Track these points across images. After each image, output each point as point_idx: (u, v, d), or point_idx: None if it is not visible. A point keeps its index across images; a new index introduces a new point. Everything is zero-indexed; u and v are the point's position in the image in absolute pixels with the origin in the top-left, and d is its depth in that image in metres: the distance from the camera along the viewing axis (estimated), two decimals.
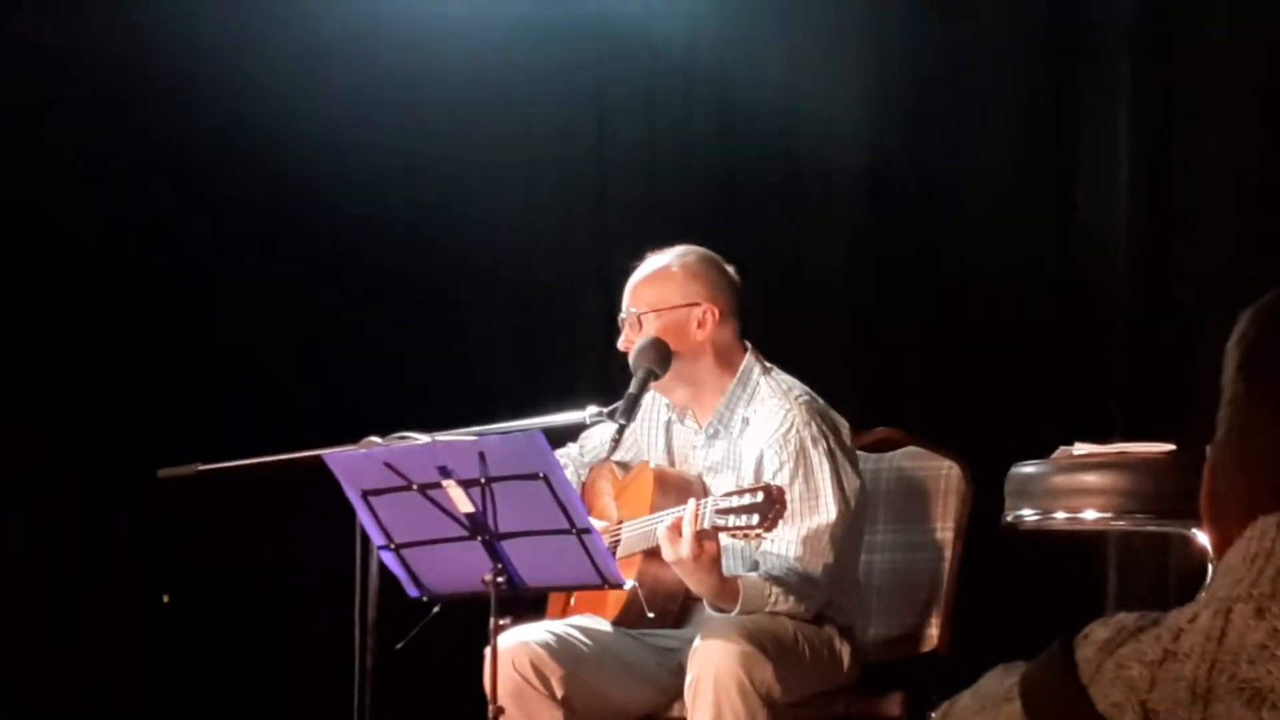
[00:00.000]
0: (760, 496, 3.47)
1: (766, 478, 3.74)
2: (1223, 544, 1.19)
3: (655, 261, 4.01)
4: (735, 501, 3.50)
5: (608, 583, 3.53)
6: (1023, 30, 4.96)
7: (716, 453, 3.94)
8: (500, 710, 3.49)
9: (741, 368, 3.94)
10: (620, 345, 3.96)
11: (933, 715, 1.25)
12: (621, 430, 3.83)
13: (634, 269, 4.03)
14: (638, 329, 3.94)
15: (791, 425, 3.79)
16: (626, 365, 3.90)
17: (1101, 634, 1.14)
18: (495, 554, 3.45)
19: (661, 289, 3.96)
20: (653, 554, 3.74)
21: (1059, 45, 4.93)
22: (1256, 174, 4.60)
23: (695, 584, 3.65)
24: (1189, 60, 4.72)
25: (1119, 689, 1.10)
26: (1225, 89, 4.66)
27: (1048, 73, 4.94)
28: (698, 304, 3.93)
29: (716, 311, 3.93)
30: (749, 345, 3.98)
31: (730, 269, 4.00)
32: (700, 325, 3.92)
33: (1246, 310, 1.23)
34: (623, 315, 3.99)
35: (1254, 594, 1.11)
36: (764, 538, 3.56)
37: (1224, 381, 1.21)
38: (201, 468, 3.80)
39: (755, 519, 3.45)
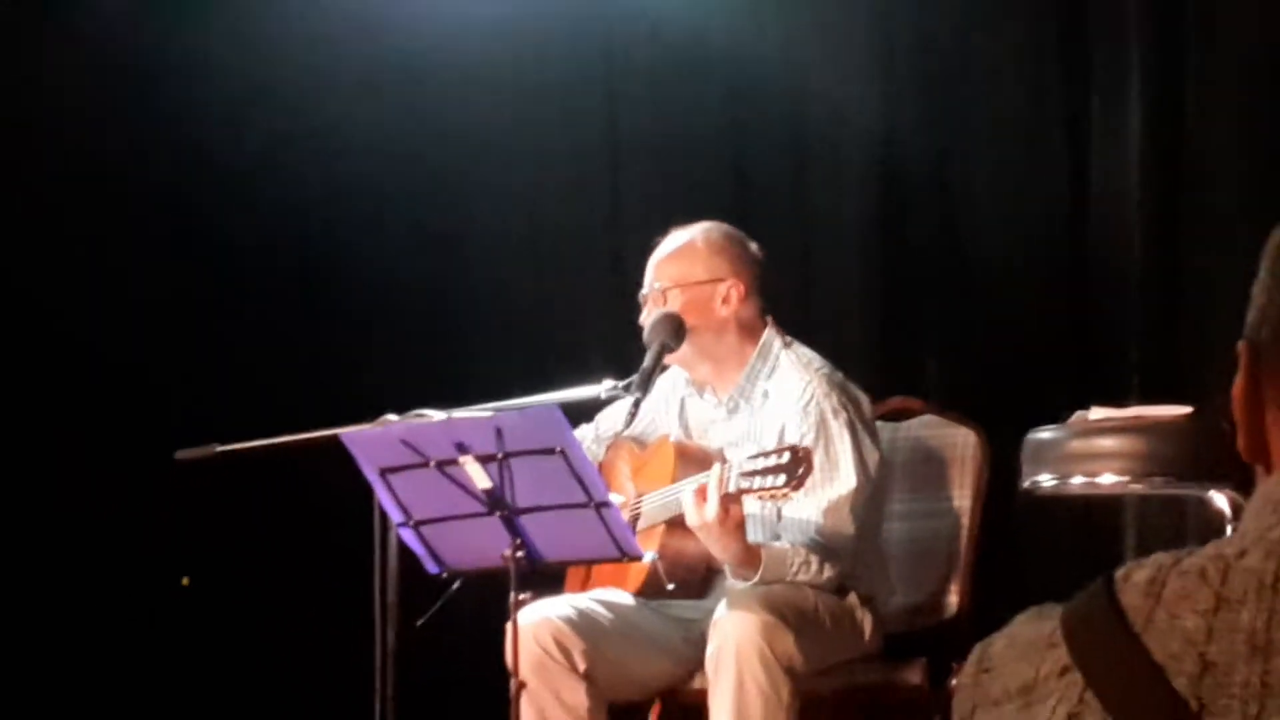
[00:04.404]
0: (786, 457, 3.47)
1: None
2: (1252, 450, 1.18)
3: (679, 237, 4.00)
4: (760, 464, 3.50)
5: (626, 556, 3.54)
6: (1032, 2, 4.95)
7: (737, 427, 3.94)
8: (522, 684, 3.50)
9: (761, 341, 3.94)
10: (642, 320, 3.96)
11: (966, 662, 1.21)
12: (637, 404, 3.83)
13: (653, 244, 4.02)
14: (662, 304, 3.93)
15: (812, 397, 3.80)
16: (640, 341, 3.90)
17: (1141, 575, 1.12)
18: (514, 529, 3.46)
19: (686, 264, 3.95)
20: (675, 525, 3.75)
21: (1069, 16, 4.91)
22: (1269, 140, 4.59)
23: (719, 550, 3.66)
24: (1200, 27, 4.71)
25: (1175, 640, 1.09)
26: (1237, 58, 4.65)
27: (1059, 44, 4.93)
28: (722, 279, 3.93)
29: (741, 287, 3.93)
30: (769, 319, 3.97)
31: (754, 245, 4.00)
32: (725, 301, 3.92)
33: None
34: (645, 290, 3.98)
35: None
36: (790, 498, 3.56)
37: (1264, 284, 1.17)
38: (219, 449, 3.80)
39: (781, 479, 3.46)
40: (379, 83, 5.33)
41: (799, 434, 3.76)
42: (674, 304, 3.92)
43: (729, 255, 3.95)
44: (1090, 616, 1.11)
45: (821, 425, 3.77)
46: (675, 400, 4.09)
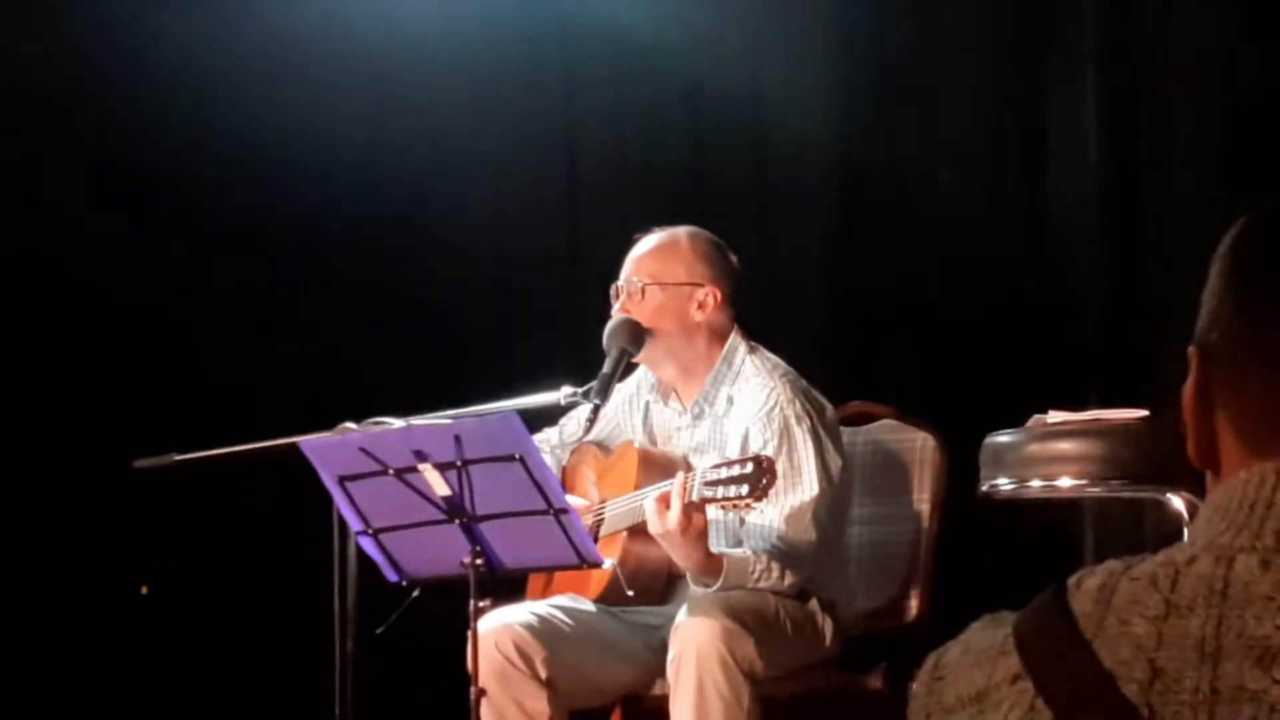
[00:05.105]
0: (750, 467, 3.47)
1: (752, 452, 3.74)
2: (1202, 454, 1.18)
3: (663, 235, 3.98)
4: (724, 473, 3.50)
5: (586, 562, 3.53)
6: (989, 6, 4.97)
7: (701, 433, 3.94)
8: (482, 691, 3.49)
9: (726, 346, 3.93)
10: (615, 313, 3.94)
11: (920, 670, 1.22)
12: (596, 410, 3.83)
13: (631, 242, 4.00)
14: (639, 299, 3.92)
15: (776, 403, 3.79)
16: (601, 348, 3.90)
17: (1092, 583, 1.12)
18: (473, 536, 3.45)
19: (668, 263, 3.94)
20: (637, 531, 3.75)
21: (1026, 20, 4.93)
22: (1225, 144, 4.61)
23: (681, 557, 3.66)
24: (1156, 31, 4.73)
25: (1126, 647, 1.09)
26: (1193, 61, 4.67)
27: (1015, 47, 4.95)
28: (701, 285, 3.92)
29: (718, 295, 3.92)
30: (736, 325, 3.97)
31: (733, 256, 4.00)
32: (701, 306, 3.92)
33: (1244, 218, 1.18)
34: (620, 283, 3.97)
35: (1258, 546, 1.10)
36: (753, 508, 3.56)
37: (1214, 289, 1.17)
38: (177, 458, 3.79)
39: (745, 489, 3.46)
40: (337, 96, 5.31)
41: (762, 440, 3.76)
42: (651, 301, 3.90)
43: (711, 261, 3.95)
44: (1041, 624, 1.12)
45: (785, 432, 3.77)
46: (639, 405, 4.08)
